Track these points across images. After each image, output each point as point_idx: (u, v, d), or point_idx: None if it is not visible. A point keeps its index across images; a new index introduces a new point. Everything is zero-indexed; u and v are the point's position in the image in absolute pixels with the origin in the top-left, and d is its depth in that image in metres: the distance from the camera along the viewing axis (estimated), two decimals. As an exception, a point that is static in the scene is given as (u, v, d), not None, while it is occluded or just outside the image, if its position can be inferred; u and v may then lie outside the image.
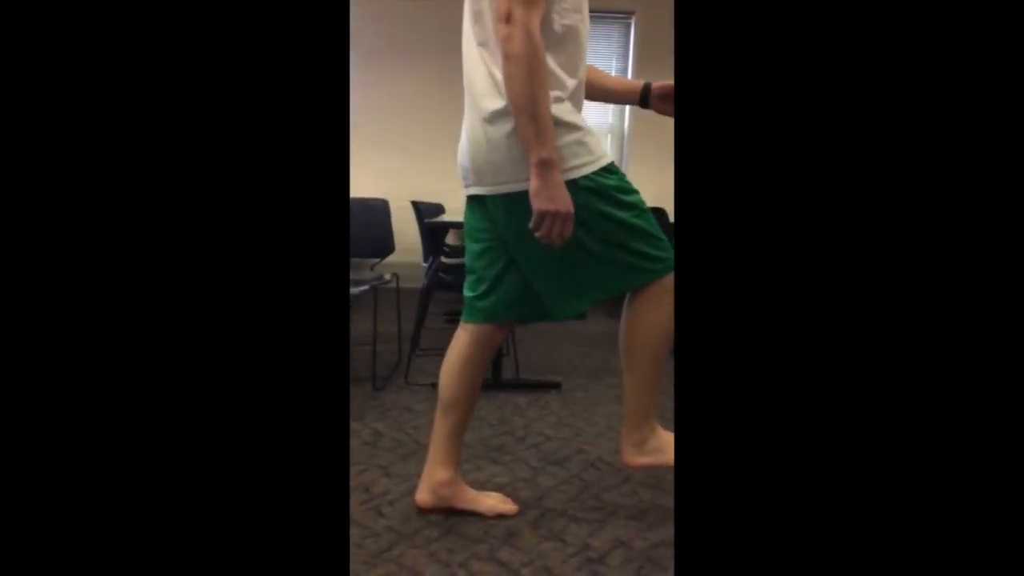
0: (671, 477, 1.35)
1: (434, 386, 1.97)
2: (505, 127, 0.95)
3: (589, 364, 2.29)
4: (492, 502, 1.17)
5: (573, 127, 0.97)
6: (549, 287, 1.05)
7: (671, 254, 1.05)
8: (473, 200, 1.09)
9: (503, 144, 0.96)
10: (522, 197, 0.97)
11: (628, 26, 4.07)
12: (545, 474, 1.36)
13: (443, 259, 2.58)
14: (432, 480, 1.14)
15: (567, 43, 0.98)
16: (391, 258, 2.38)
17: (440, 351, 2.41)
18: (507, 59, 0.90)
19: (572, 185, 0.96)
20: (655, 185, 3.75)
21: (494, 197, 1.01)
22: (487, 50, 0.98)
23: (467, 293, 1.14)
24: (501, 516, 1.16)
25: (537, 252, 1.02)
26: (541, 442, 1.54)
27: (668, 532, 1.12)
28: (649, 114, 4.09)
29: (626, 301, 1.09)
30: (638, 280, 1.03)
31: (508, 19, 0.89)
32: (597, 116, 4.19)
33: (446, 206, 3.56)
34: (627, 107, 4.13)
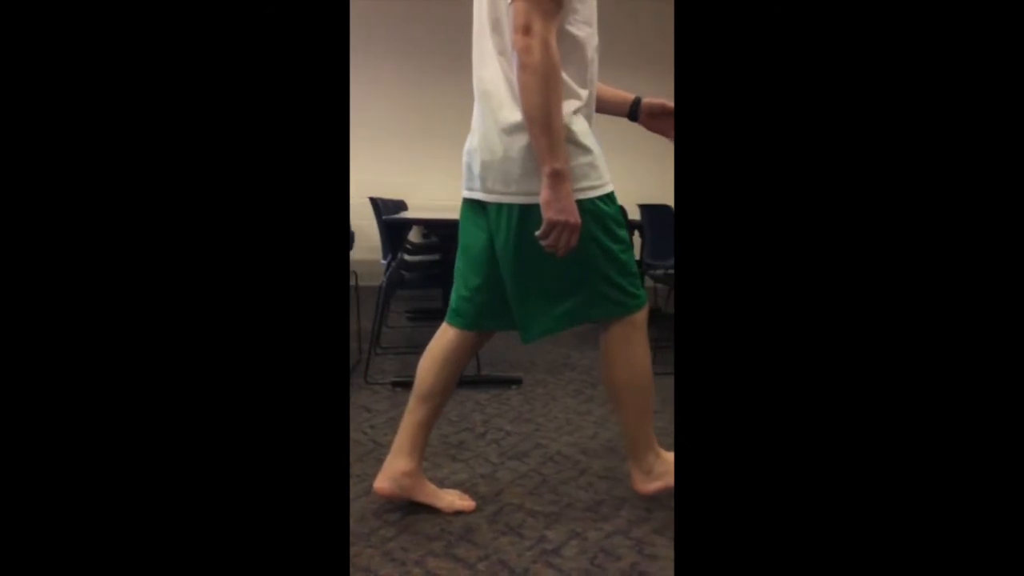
0: (625, 468, 1.38)
1: (394, 385, 1.95)
2: (524, 139, 0.97)
3: (549, 359, 2.31)
4: (450, 498, 1.17)
5: (587, 149, 1.00)
6: (526, 303, 1.07)
7: (643, 292, 1.10)
8: (473, 205, 1.10)
9: (519, 156, 0.98)
10: (525, 211, 1.00)
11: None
12: (504, 469, 1.37)
13: (406, 257, 2.56)
14: (394, 469, 1.13)
15: (580, 54, 1.00)
16: (350, 255, 2.35)
17: (402, 350, 2.39)
18: (524, 70, 0.91)
19: (586, 205, 0.99)
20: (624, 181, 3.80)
21: (498, 206, 1.03)
22: (506, 59, 0.99)
23: (452, 296, 1.16)
24: (459, 512, 1.16)
25: (524, 266, 1.03)
26: (501, 437, 1.55)
27: (622, 522, 1.15)
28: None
29: (602, 342, 1.13)
30: (612, 312, 1.07)
31: (527, 31, 0.89)
32: (559, 114, 4.21)
33: (409, 202, 3.53)
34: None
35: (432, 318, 2.95)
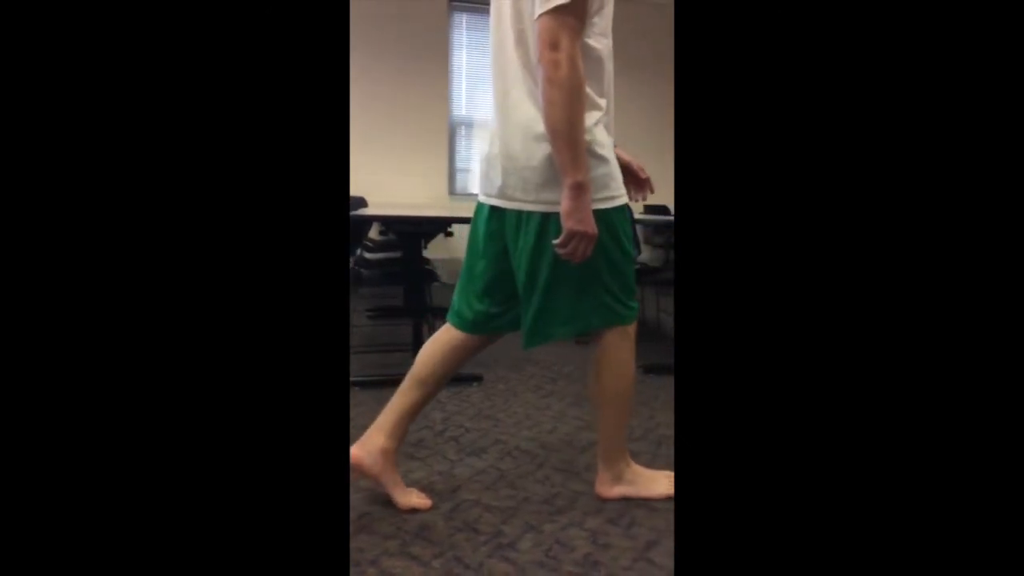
0: (583, 460, 1.40)
1: (353, 384, 1.92)
2: (546, 150, 0.99)
3: (511, 356, 2.32)
4: (409, 498, 1.17)
5: (605, 160, 1.04)
6: (537, 309, 1.09)
7: (636, 304, 1.15)
8: (488, 210, 1.12)
9: (540, 165, 1.01)
10: (544, 219, 1.03)
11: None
12: (462, 466, 1.37)
13: (366, 254, 2.52)
14: (372, 443, 1.14)
15: (599, 66, 1.03)
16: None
17: (361, 349, 2.36)
18: (551, 84, 0.93)
19: (602, 215, 1.03)
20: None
21: (517, 213, 1.06)
22: (529, 71, 1.01)
23: (455, 296, 1.19)
24: (414, 510, 1.16)
25: (539, 273, 1.06)
26: (460, 434, 1.55)
27: (577, 514, 1.17)
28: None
29: (594, 349, 1.15)
30: (611, 321, 1.11)
31: (554, 46, 0.91)
32: (521, 111, 4.22)
33: (369, 199, 3.47)
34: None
35: (392, 316, 2.92)
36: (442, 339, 1.17)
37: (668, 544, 1.07)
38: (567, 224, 0.98)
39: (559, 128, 0.95)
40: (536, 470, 1.36)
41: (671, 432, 1.59)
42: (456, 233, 4.08)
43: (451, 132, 4.16)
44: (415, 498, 1.17)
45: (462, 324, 1.17)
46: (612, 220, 1.06)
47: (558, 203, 1.00)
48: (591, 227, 0.99)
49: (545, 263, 1.05)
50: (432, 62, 4.04)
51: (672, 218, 3.11)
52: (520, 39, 1.02)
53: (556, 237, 1.01)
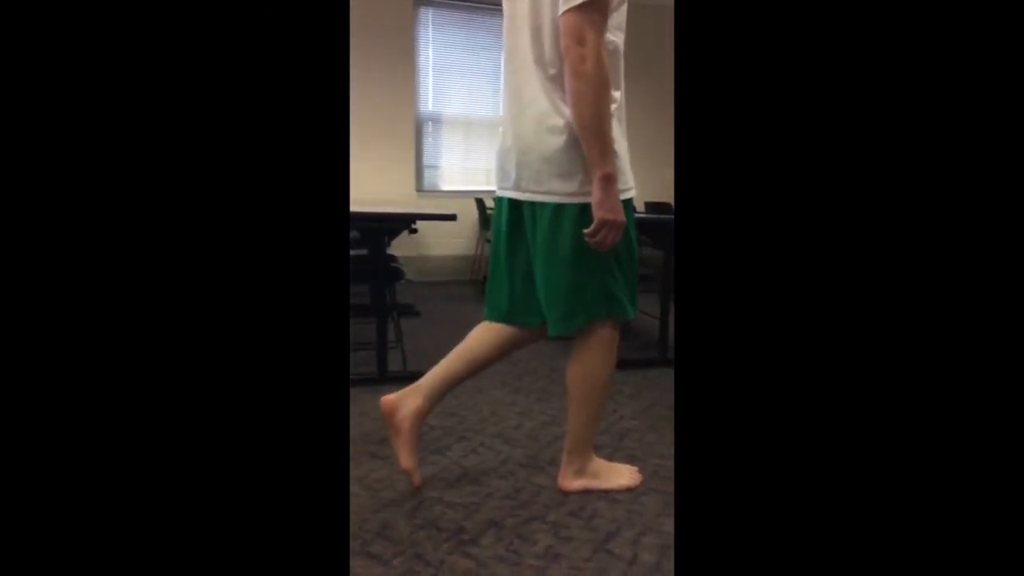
0: (547, 455, 1.41)
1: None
2: (559, 142, 1.02)
3: (479, 353, 2.32)
4: (411, 462, 1.19)
5: (617, 154, 1.05)
6: (555, 299, 1.12)
7: (636, 301, 1.18)
8: (506, 203, 1.15)
9: (554, 157, 1.03)
10: (558, 209, 1.05)
11: (516, 20, 4.13)
12: (426, 464, 1.36)
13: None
14: (408, 399, 1.18)
15: (615, 59, 1.05)
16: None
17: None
18: (579, 79, 0.94)
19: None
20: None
21: (531, 204, 1.08)
22: (543, 67, 1.02)
23: (487, 293, 1.24)
24: (414, 486, 1.20)
25: (553, 263, 1.09)
26: (424, 432, 1.54)
27: (539, 507, 1.18)
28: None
29: (580, 338, 1.16)
30: (614, 312, 1.13)
31: (581, 42, 0.93)
32: (487, 109, 4.22)
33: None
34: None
35: (358, 314, 2.88)
36: (492, 327, 1.21)
37: (628, 534, 1.09)
38: (598, 214, 1.01)
39: (588, 122, 0.97)
40: (500, 466, 1.36)
41: (634, 425, 1.62)
42: (421, 230, 4.05)
43: (418, 128, 4.12)
44: (415, 469, 1.20)
45: (497, 316, 1.21)
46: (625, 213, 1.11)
47: (571, 194, 1.03)
48: (620, 215, 1.02)
49: (560, 253, 1.07)
50: (398, 58, 3.99)
51: (646, 214, 3.14)
52: (536, 35, 1.02)
53: (570, 227, 1.04)
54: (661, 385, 1.97)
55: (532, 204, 1.08)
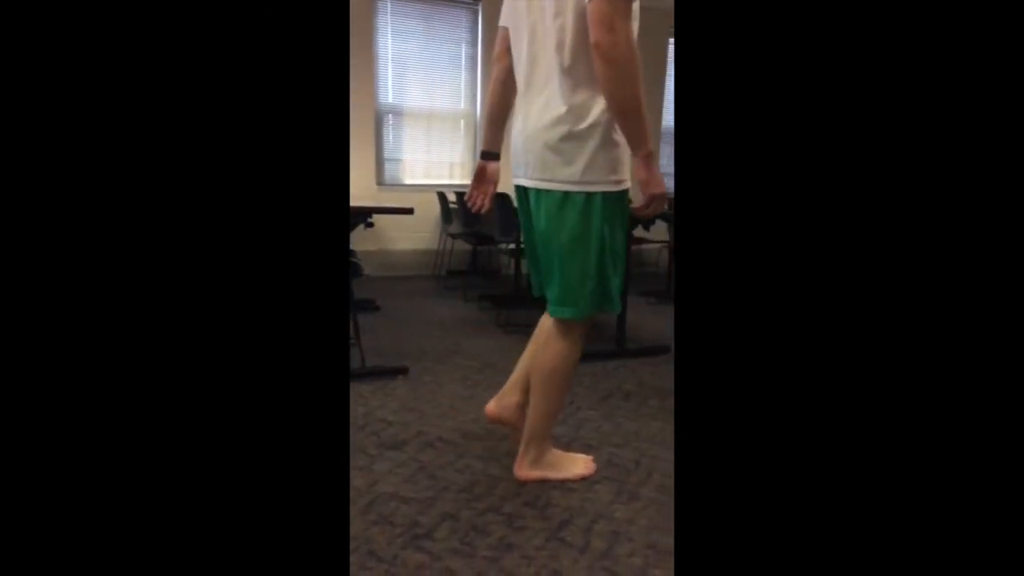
0: (504, 447, 1.42)
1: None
2: (563, 131, 1.05)
3: (439, 347, 2.31)
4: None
5: (619, 144, 1.08)
6: (552, 284, 1.17)
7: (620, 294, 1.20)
8: (523, 190, 1.19)
9: (557, 147, 1.06)
10: (562, 197, 1.08)
11: (476, 12, 4.11)
12: (382, 460, 1.35)
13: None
14: (508, 400, 1.30)
15: None
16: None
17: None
18: (612, 66, 0.96)
19: (611, 196, 1.09)
20: (504, 173, 3.86)
21: (537, 191, 1.12)
22: (561, 55, 1.03)
23: (530, 272, 1.31)
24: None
25: (554, 247, 1.12)
26: (381, 429, 1.53)
27: (495, 499, 1.19)
28: (500, 101, 4.17)
29: (553, 327, 1.19)
30: (603, 307, 1.16)
31: (611, 29, 0.95)
32: (448, 102, 4.18)
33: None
34: (479, 94, 4.18)
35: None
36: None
37: (580, 522, 1.11)
38: (646, 190, 1.06)
39: (625, 107, 0.99)
40: (457, 459, 1.36)
41: (591, 415, 1.65)
42: (382, 224, 3.99)
43: (378, 120, 4.05)
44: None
45: (538, 290, 1.26)
46: (624, 203, 1.14)
47: (574, 182, 1.07)
48: (663, 188, 1.07)
49: (562, 238, 1.11)
50: (356, 48, 3.90)
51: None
52: (558, 23, 1.03)
53: (573, 215, 1.08)
54: (618, 376, 2.01)
55: (537, 191, 1.12)
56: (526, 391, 1.28)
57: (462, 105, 4.23)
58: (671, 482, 1.28)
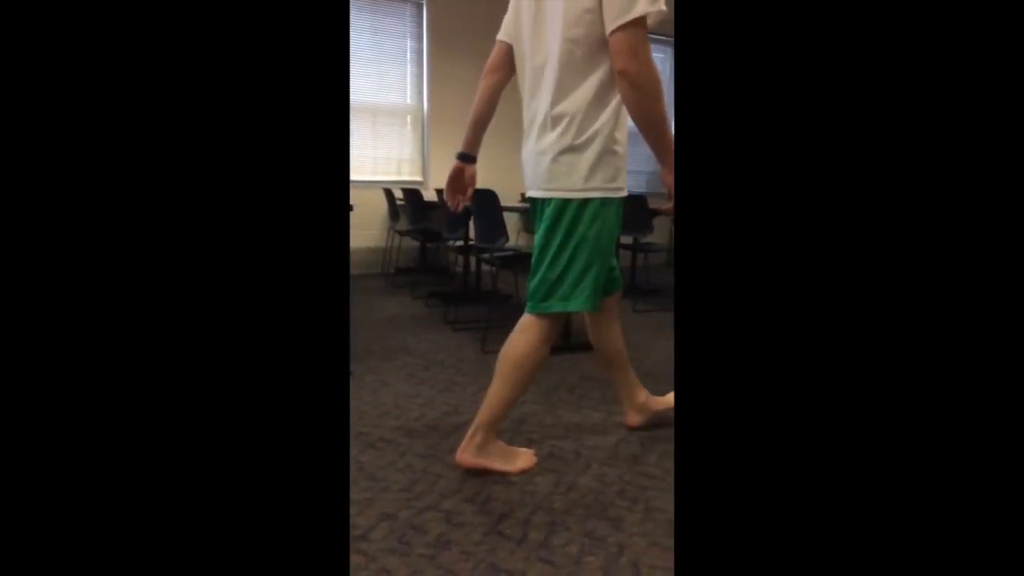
0: (447, 444, 1.42)
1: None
2: (564, 143, 1.13)
3: (385, 346, 2.28)
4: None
5: (621, 156, 1.17)
6: (540, 279, 1.22)
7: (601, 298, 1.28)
8: (531, 201, 1.27)
9: (557, 158, 1.15)
10: (560, 204, 1.16)
11: (420, 7, 4.05)
12: (321, 463, 1.32)
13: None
14: (636, 402, 1.49)
15: None
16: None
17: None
18: (638, 90, 1.05)
19: (608, 202, 1.17)
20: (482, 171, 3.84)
21: (541, 200, 1.22)
22: (573, 71, 1.10)
23: None
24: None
25: (548, 250, 1.20)
26: (321, 431, 1.50)
27: (434, 496, 1.18)
28: (449, 98, 4.15)
29: (529, 319, 1.23)
30: (587, 307, 1.21)
31: (636, 55, 1.02)
32: (395, 96, 4.12)
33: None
34: (425, 89, 4.13)
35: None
36: (594, 321, 1.39)
37: (519, 515, 1.13)
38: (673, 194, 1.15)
39: (652, 122, 1.08)
40: (398, 459, 1.35)
41: (534, 409, 1.67)
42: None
43: (321, 115, 3.94)
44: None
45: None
46: (616, 210, 1.20)
47: (576, 189, 1.15)
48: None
49: (555, 243, 1.18)
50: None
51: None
52: (574, 38, 1.08)
53: (570, 221, 1.16)
54: (563, 369, 2.04)
55: (541, 200, 1.20)
56: (641, 389, 1.48)
57: (408, 100, 4.17)
58: (609, 471, 1.31)
